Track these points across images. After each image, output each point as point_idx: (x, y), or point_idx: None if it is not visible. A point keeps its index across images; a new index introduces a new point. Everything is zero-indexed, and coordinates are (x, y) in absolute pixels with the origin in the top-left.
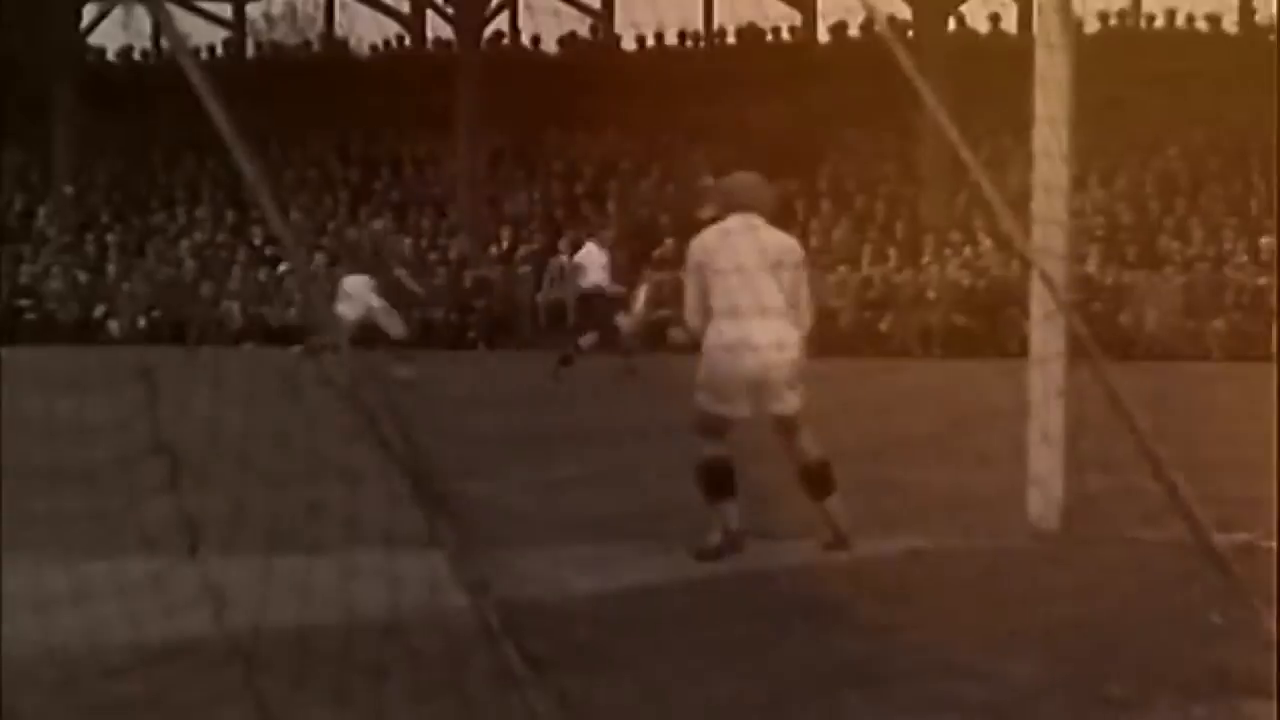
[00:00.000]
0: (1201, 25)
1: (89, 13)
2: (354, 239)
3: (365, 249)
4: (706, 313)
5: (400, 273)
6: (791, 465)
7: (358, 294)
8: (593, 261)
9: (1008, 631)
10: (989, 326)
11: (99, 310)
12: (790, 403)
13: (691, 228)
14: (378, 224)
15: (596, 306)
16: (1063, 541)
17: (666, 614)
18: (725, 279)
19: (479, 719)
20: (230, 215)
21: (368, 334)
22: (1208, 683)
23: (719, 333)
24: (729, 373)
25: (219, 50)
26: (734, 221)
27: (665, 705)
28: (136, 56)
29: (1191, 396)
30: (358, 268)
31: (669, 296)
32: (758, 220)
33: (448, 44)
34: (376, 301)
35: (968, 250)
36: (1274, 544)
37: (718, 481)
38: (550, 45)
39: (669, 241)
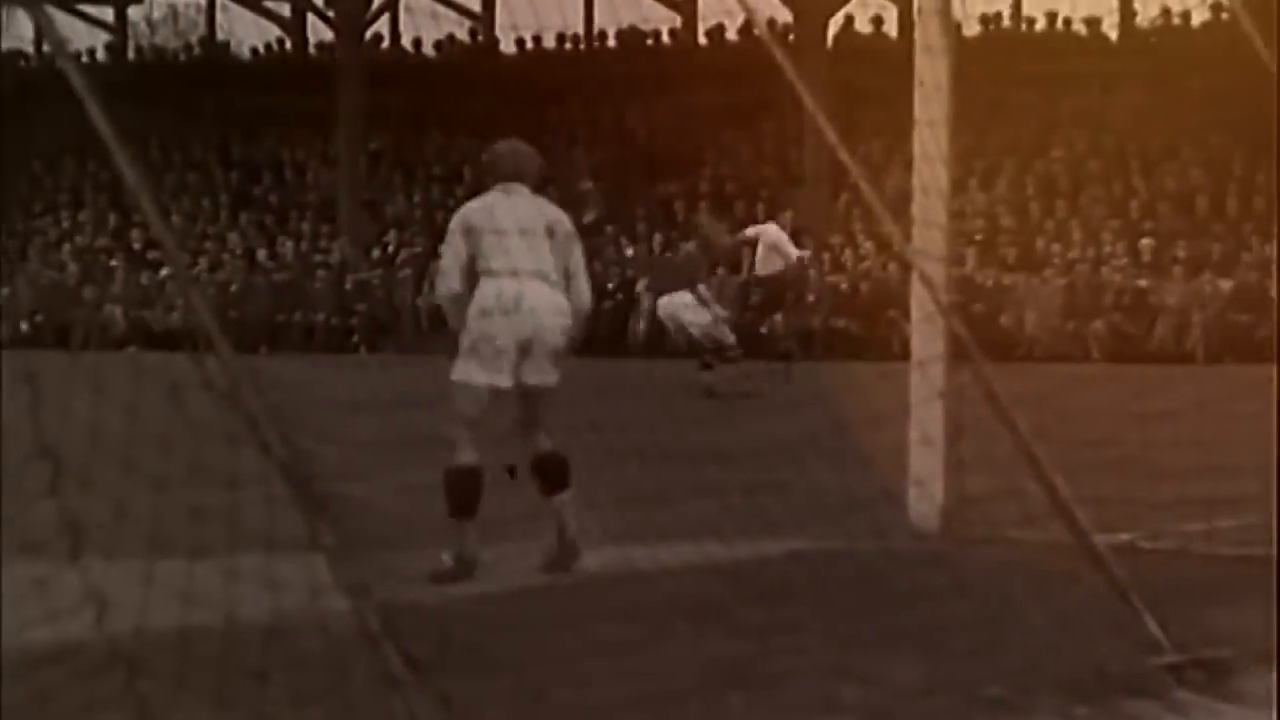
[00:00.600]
0: (1080, 28)
1: None
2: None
3: (681, 266)
4: (471, 277)
5: (701, 289)
6: (526, 451)
7: (688, 308)
8: (774, 243)
9: (889, 632)
10: (870, 329)
11: None
12: (550, 377)
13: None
14: (688, 246)
15: (775, 291)
16: (943, 542)
17: (548, 615)
18: (499, 240)
19: None
20: (112, 219)
21: (707, 346)
22: (1089, 682)
23: (492, 293)
24: (499, 331)
25: (100, 54)
26: (503, 189)
27: (546, 706)
28: (17, 60)
29: (1071, 398)
30: (675, 284)
31: None
32: (525, 189)
33: (328, 47)
34: (714, 313)
35: (848, 253)
36: (1154, 544)
37: (466, 497)
38: (430, 48)
39: None
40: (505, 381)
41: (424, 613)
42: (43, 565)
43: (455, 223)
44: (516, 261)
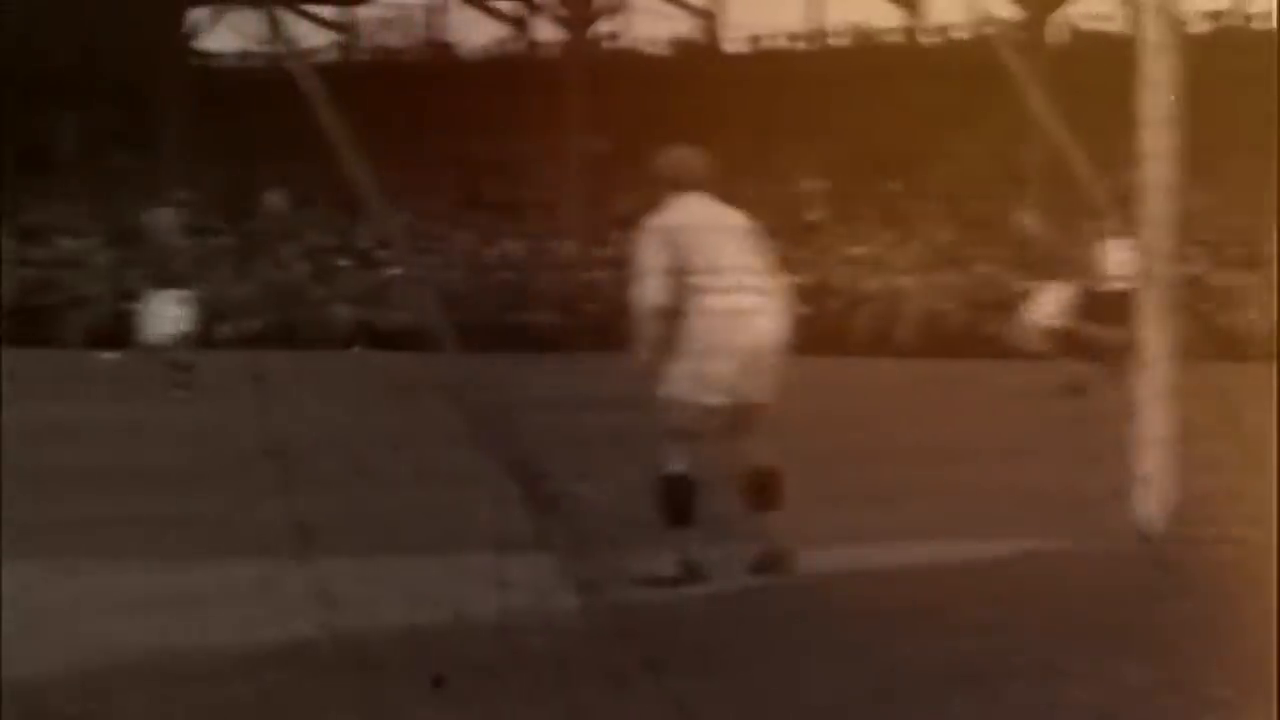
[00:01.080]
0: None
1: (197, 16)
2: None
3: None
4: (677, 289)
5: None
6: (736, 465)
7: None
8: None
9: (1115, 633)
10: None
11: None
12: (767, 390)
13: (798, 229)
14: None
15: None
16: (1169, 542)
17: (777, 615)
18: (707, 250)
19: None
20: (340, 218)
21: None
22: None
23: (708, 307)
24: (724, 345)
25: (328, 54)
26: (689, 196)
27: (774, 706)
28: (246, 60)
29: None
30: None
31: None
32: (706, 196)
33: (555, 46)
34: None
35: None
36: None
37: (680, 506)
38: (658, 47)
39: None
40: (722, 399)
41: (653, 612)
42: (270, 564)
43: (652, 233)
44: (729, 272)
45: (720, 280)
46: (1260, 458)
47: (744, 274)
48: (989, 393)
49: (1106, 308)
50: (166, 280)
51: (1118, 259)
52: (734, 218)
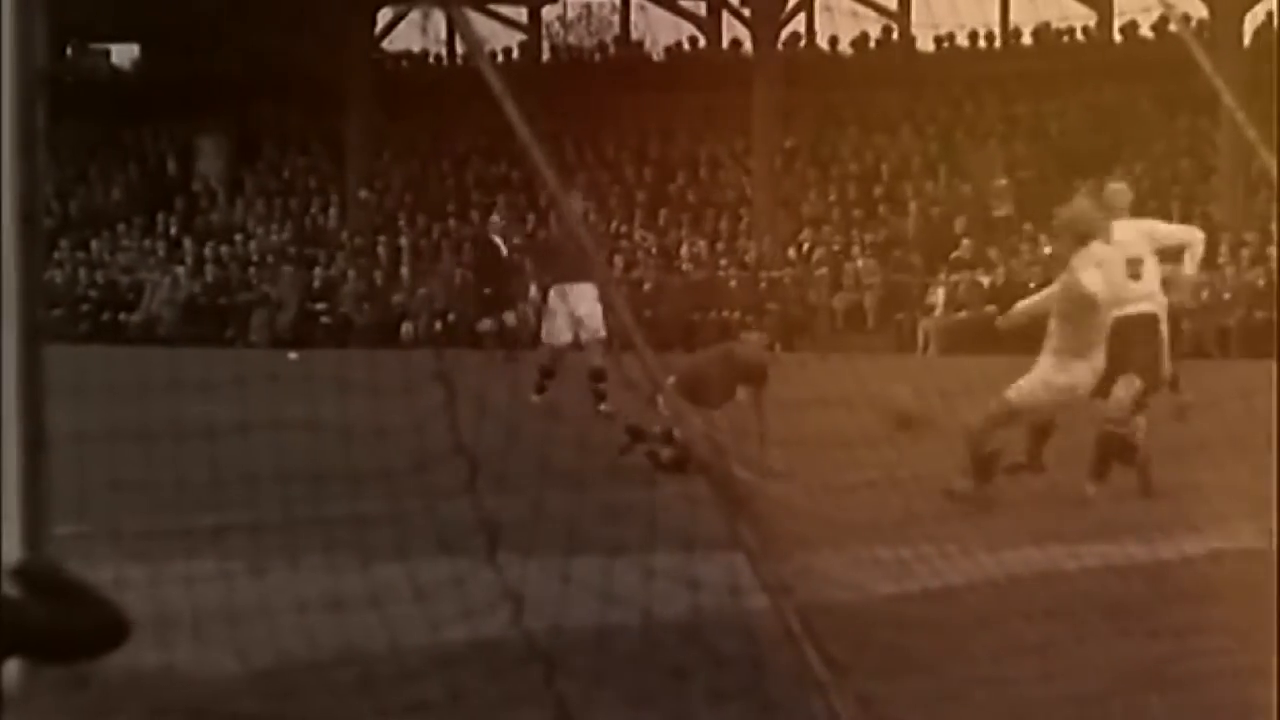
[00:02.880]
0: None
1: (384, 17)
2: None
3: None
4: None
5: None
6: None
7: None
8: None
9: None
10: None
11: (395, 313)
12: None
13: (988, 227)
14: None
15: None
16: None
17: (966, 615)
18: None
19: None
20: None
21: None
22: None
23: None
24: None
25: (514, 53)
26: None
27: (965, 706)
28: (430, 60)
29: None
30: None
31: (966, 299)
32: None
33: (743, 45)
34: None
35: (1270, 250)
36: None
37: None
38: (846, 46)
39: (965, 242)
40: None
41: (843, 613)
42: (460, 563)
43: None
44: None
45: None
46: None
47: None
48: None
49: None
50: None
51: None
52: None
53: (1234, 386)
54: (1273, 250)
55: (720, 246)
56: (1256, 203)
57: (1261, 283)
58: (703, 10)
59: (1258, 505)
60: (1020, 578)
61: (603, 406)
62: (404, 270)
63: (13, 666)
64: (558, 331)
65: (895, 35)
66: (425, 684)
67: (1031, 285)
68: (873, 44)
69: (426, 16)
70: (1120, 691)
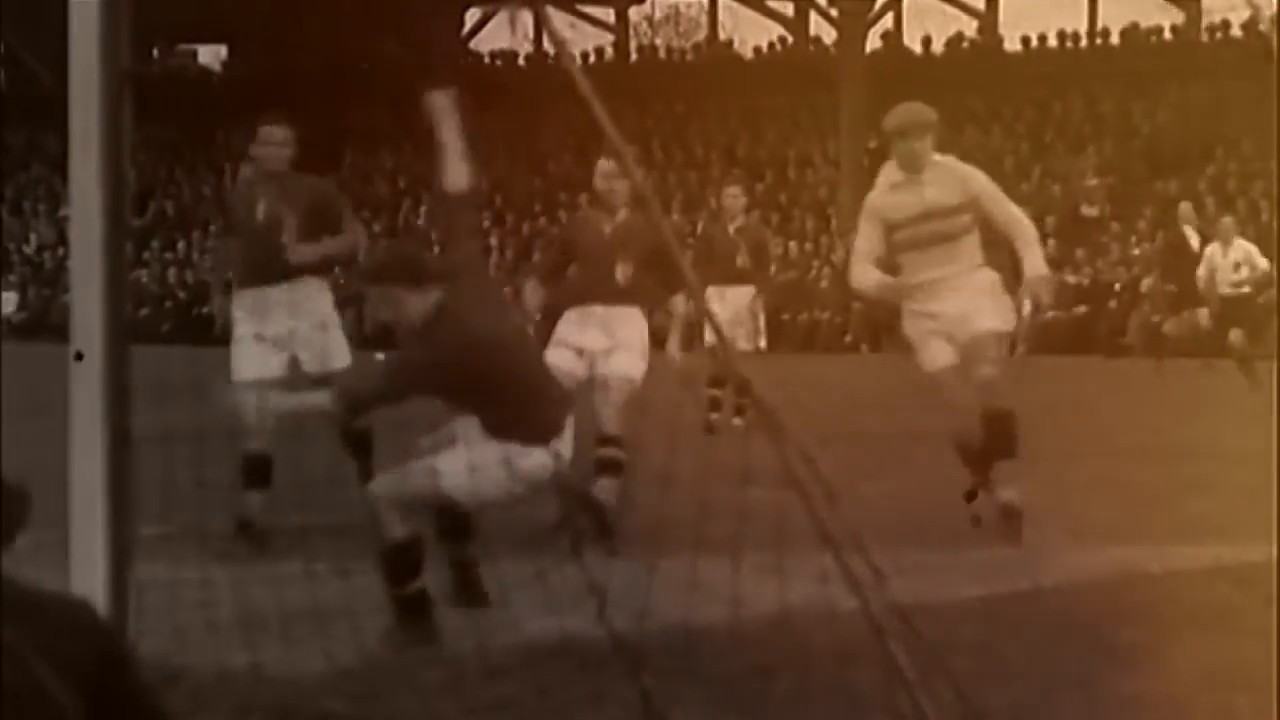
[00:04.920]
0: None
1: (471, 17)
2: None
3: None
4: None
5: None
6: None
7: None
8: None
9: None
10: None
11: None
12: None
13: (1074, 226)
14: None
15: None
16: None
17: (1054, 617)
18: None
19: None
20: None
21: None
22: None
23: None
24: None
25: (606, 53)
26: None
27: (1053, 707)
28: (519, 60)
29: None
30: None
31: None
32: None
33: (831, 45)
34: None
35: None
36: None
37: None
38: (936, 46)
39: (1050, 243)
40: None
41: (931, 611)
42: (544, 558)
43: None
44: None
45: None
46: None
47: None
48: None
49: None
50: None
51: None
52: None
53: None
54: None
55: (809, 247)
56: None
57: None
58: (790, 11)
59: None
60: None
61: (714, 415)
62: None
63: None
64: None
65: (983, 35)
66: (509, 681)
67: (1117, 286)
68: (962, 44)
69: (515, 16)
70: None
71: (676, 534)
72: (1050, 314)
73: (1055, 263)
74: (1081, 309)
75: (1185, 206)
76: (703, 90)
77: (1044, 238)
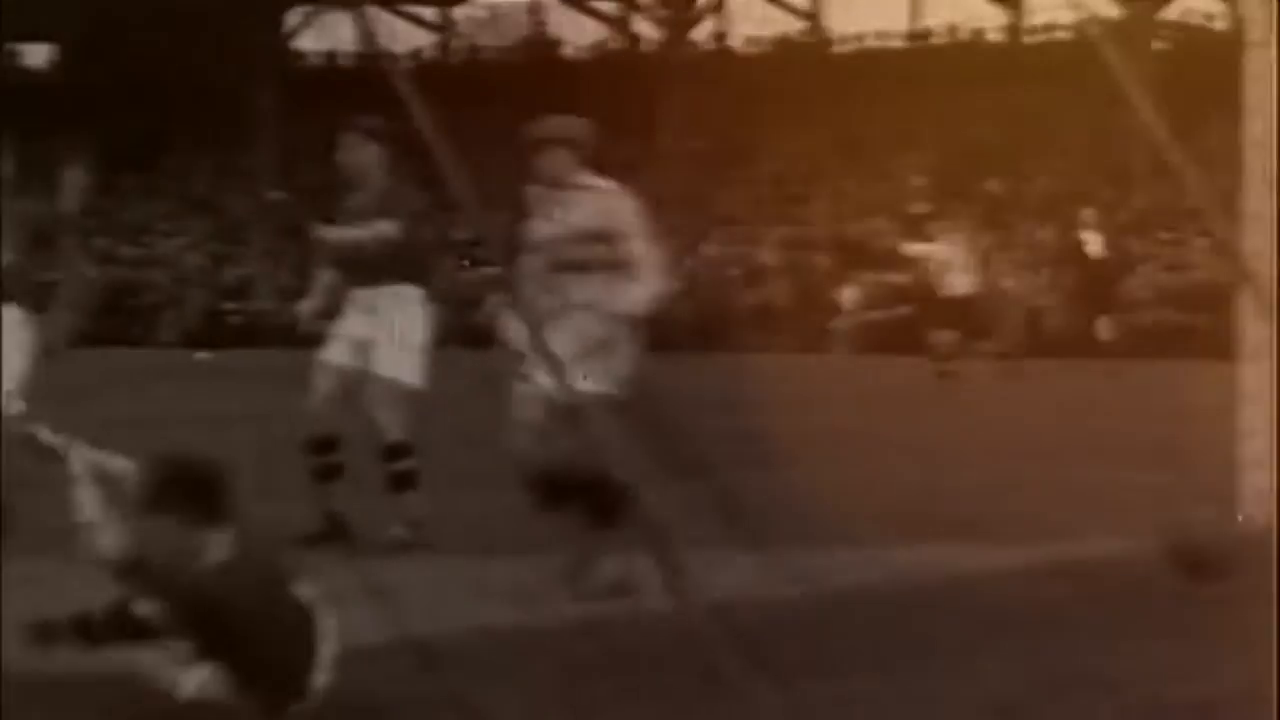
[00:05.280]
0: None
1: (293, 17)
2: None
3: None
4: None
5: None
6: None
7: None
8: None
9: (1225, 631)
10: (1206, 325)
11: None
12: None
13: (904, 226)
14: None
15: None
16: (1275, 537)
17: (876, 617)
18: None
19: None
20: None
21: None
22: None
23: None
24: None
25: (424, 54)
26: None
27: (873, 709)
28: (341, 60)
29: None
30: None
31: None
32: None
33: (656, 46)
34: None
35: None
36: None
37: None
38: (760, 47)
39: (880, 241)
40: None
41: (750, 612)
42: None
43: None
44: None
45: None
46: None
47: None
48: (1084, 389)
49: None
50: None
51: None
52: None
53: None
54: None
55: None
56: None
57: (1176, 283)
58: (616, 12)
59: None
60: None
61: None
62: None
63: None
64: None
65: (808, 35)
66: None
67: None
68: (787, 45)
69: (334, 17)
70: None
71: (474, 535)
72: (875, 314)
73: (881, 262)
74: (905, 309)
75: (1088, 212)
76: (526, 90)
77: (869, 237)
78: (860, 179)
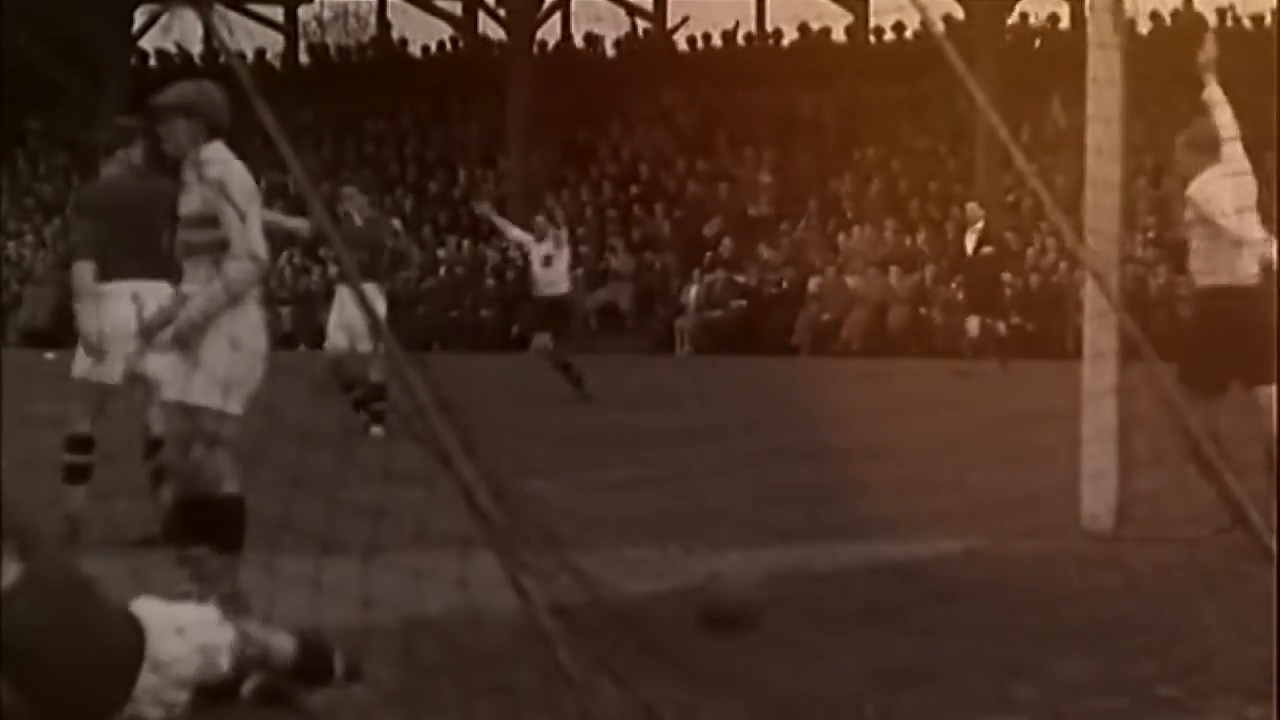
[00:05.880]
0: (1248, 24)
1: (140, 16)
2: None
3: None
4: None
5: None
6: None
7: None
8: None
9: (1063, 631)
10: (1046, 327)
11: None
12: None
13: (745, 226)
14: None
15: None
16: (1116, 540)
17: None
18: None
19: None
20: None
21: None
22: (1262, 683)
23: None
24: None
25: (270, 53)
26: None
27: (719, 706)
28: (188, 59)
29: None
30: None
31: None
32: None
33: (500, 45)
34: None
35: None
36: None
37: None
38: (603, 47)
39: (726, 241)
40: None
41: (596, 611)
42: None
43: None
44: None
45: None
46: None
47: None
48: (930, 389)
49: None
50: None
51: None
52: None
53: None
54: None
55: (479, 246)
56: (1012, 202)
57: (1020, 284)
58: (459, 10)
59: None
60: None
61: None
62: None
63: None
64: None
65: (652, 34)
66: None
67: (784, 284)
68: (631, 44)
69: (180, 16)
70: None
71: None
72: (717, 313)
73: (724, 262)
74: (741, 303)
75: (972, 206)
76: (372, 89)
77: (719, 237)
78: (703, 179)
